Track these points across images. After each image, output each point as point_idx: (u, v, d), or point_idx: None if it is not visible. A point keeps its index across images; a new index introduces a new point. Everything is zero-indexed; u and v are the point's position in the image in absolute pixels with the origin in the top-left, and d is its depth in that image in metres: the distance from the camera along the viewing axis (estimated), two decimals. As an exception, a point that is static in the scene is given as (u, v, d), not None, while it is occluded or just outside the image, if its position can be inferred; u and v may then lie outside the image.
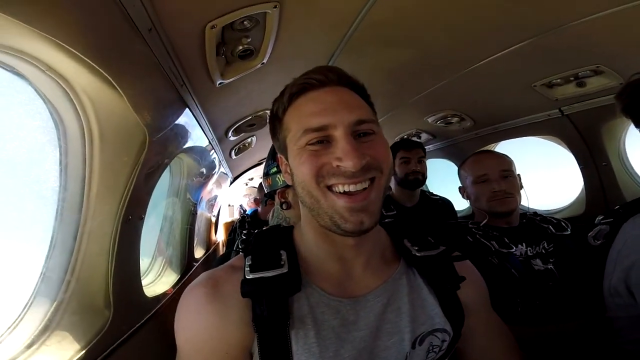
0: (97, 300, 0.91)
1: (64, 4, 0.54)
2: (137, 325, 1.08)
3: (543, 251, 1.24)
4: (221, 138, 1.86)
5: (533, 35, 1.15)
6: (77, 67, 0.68)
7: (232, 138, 2.05)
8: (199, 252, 2.34)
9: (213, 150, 1.91)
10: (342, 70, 0.62)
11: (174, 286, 1.63)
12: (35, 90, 0.76)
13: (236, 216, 4.48)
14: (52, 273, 0.83)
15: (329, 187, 0.55)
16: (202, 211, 2.49)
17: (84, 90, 0.76)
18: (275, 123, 0.65)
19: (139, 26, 0.70)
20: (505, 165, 1.31)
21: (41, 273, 0.82)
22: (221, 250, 3.25)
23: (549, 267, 1.20)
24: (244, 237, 1.16)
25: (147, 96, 0.91)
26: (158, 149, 1.08)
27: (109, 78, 0.74)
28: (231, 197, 4.23)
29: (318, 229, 0.60)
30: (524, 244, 1.25)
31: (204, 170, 2.01)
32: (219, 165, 2.23)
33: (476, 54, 1.34)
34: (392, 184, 2.07)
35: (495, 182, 1.27)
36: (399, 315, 0.61)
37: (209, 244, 2.94)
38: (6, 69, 0.68)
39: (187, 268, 1.98)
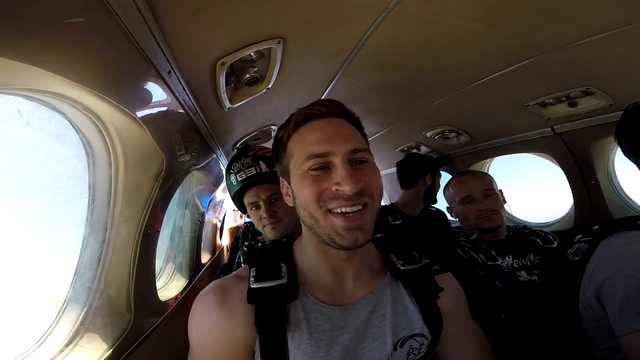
0: (120, 304, 1.03)
1: (94, 54, 0.64)
2: (153, 327, 1.19)
3: (528, 263, 1.31)
4: (228, 152, 1.97)
5: (525, 59, 1.21)
6: (107, 106, 0.79)
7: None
8: (205, 257, 2.46)
9: (220, 164, 2.03)
10: (342, 103, 0.71)
11: (182, 290, 1.74)
12: (70, 123, 0.87)
13: (239, 221, 4.55)
14: (82, 281, 0.94)
15: (329, 210, 0.62)
16: (209, 217, 2.61)
17: (112, 124, 0.87)
18: (280, 148, 0.72)
19: (160, 70, 0.80)
20: (487, 185, 1.40)
21: (72, 281, 0.93)
22: (225, 254, 3.35)
23: (532, 278, 1.27)
24: (246, 249, 1.25)
25: (165, 126, 1.02)
26: (173, 170, 1.20)
27: (133, 115, 0.85)
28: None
29: (316, 244, 0.68)
30: (510, 256, 1.32)
31: (211, 181, 2.13)
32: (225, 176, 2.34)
33: (470, 75, 1.41)
34: (409, 194, 2.14)
35: (480, 201, 1.36)
36: (382, 321, 0.68)
37: (214, 249, 3.06)
38: (47, 107, 0.80)
39: (195, 273, 2.09)
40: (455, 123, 2.09)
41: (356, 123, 0.73)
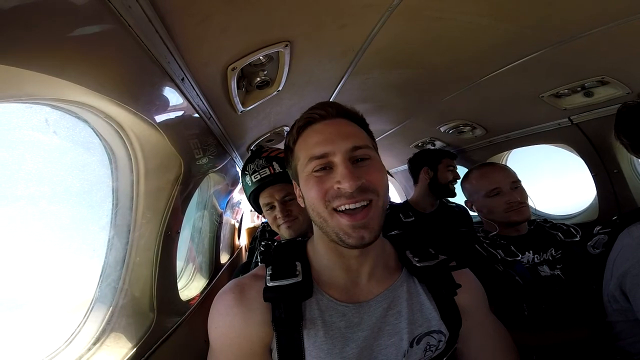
0: (143, 304, 1.07)
1: (112, 64, 0.67)
2: (175, 326, 1.23)
3: (550, 258, 1.28)
4: (243, 154, 2.01)
5: (535, 51, 1.19)
6: (126, 113, 0.83)
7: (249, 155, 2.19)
8: (224, 258, 2.51)
9: (236, 165, 2.07)
10: (341, 104, 0.72)
11: (203, 290, 1.79)
12: (94, 130, 0.92)
13: (257, 221, 4.60)
14: (108, 281, 0.99)
15: (335, 209, 0.63)
16: (227, 218, 2.67)
17: (132, 130, 0.91)
18: (288, 153, 0.75)
19: (173, 77, 0.84)
20: (514, 177, 1.36)
21: (99, 281, 0.98)
22: (244, 254, 3.41)
23: (555, 273, 1.24)
24: (262, 249, 1.28)
25: (182, 131, 1.06)
26: (191, 173, 1.24)
27: (151, 121, 0.89)
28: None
29: (328, 243, 0.69)
30: (531, 252, 1.29)
31: (228, 182, 2.17)
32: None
33: (480, 69, 1.39)
34: (417, 189, 2.13)
35: (509, 194, 1.32)
36: (398, 318, 0.69)
37: (233, 249, 3.12)
38: (72, 115, 0.84)
39: (214, 273, 2.15)
40: (469, 117, 2.06)
41: (359, 121, 0.74)
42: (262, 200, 1.27)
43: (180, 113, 1.00)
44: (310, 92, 1.51)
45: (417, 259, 0.76)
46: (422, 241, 0.83)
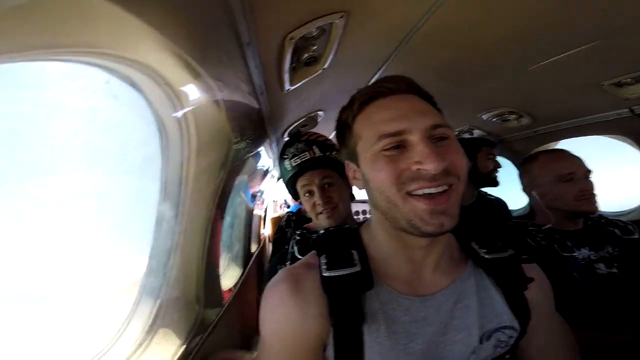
0: (190, 295, 0.99)
1: (186, 15, 0.58)
2: (217, 318, 1.16)
3: (607, 255, 1.21)
4: (278, 139, 1.92)
5: (601, 37, 1.08)
6: (188, 77, 0.73)
7: (286, 139, 2.12)
8: (253, 247, 2.45)
9: (270, 151, 1.98)
10: (412, 79, 0.65)
11: (238, 279, 1.72)
12: (147, 101, 0.82)
13: (279, 211, 4.56)
14: (153, 272, 0.91)
15: (409, 193, 0.56)
16: (255, 206, 2.60)
17: (189, 101, 0.81)
18: (345, 131, 0.68)
19: (242, 39, 0.74)
20: (587, 166, 1.27)
21: (146, 272, 0.90)
22: (268, 245, 3.36)
23: (613, 271, 1.18)
24: (299, 238, 1.21)
25: (238, 106, 0.96)
26: (237, 155, 1.14)
27: (211, 90, 0.79)
28: (276, 192, 4.35)
29: (390, 231, 0.63)
30: (587, 248, 1.22)
31: (261, 169, 2.09)
32: (273, 164, 2.31)
33: (539, 54, 1.27)
34: None
35: (582, 181, 1.24)
36: (467, 313, 0.63)
37: (259, 239, 3.06)
38: (127, 83, 0.74)
39: (246, 262, 2.08)
40: (517, 104, 1.93)
41: (429, 99, 0.66)
42: (301, 185, 1.22)
43: (238, 84, 0.90)
44: (352, 73, 1.41)
45: (484, 251, 0.70)
46: (488, 232, 0.76)
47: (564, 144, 2.27)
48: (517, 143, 2.37)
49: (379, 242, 0.67)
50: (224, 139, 0.98)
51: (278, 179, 3.16)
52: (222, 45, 0.71)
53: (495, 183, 1.96)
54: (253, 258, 2.27)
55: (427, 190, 0.54)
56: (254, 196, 2.39)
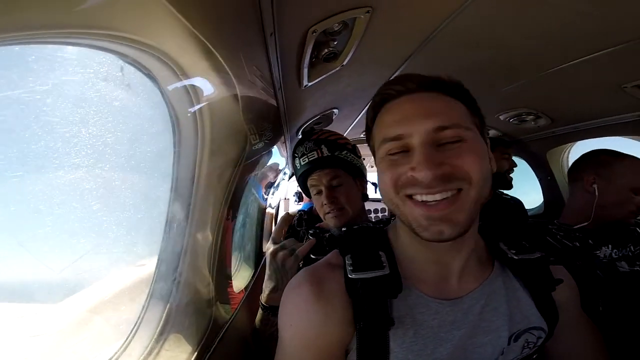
0: (201, 298, 0.94)
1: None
2: (229, 321, 1.11)
3: (630, 253, 1.21)
4: (293, 137, 1.88)
5: (628, 40, 1.02)
6: (206, 65, 0.67)
7: (300, 137, 2.07)
8: (265, 246, 2.40)
9: (284, 148, 1.93)
10: (424, 75, 0.61)
11: (249, 281, 1.67)
12: (161, 91, 0.76)
13: (291, 209, 4.51)
14: (163, 276, 0.85)
15: (408, 196, 0.55)
16: (267, 206, 2.55)
17: (205, 94, 0.77)
18: (368, 133, 0.69)
19: (265, 30, 0.69)
20: None
21: (154, 274, 0.85)
22: (279, 244, 3.30)
23: (636, 269, 1.17)
24: (312, 238, 1.17)
25: (255, 102, 0.91)
26: (251, 153, 1.10)
27: (230, 80, 0.73)
28: (287, 189, 4.31)
29: (410, 232, 0.60)
30: (609, 246, 1.21)
31: (274, 167, 2.05)
32: (286, 162, 2.26)
33: (560, 56, 1.21)
34: None
35: None
36: (496, 315, 0.62)
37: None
38: (143, 73, 0.69)
39: (258, 262, 2.03)
40: (535, 105, 1.88)
41: (455, 92, 0.61)
42: (310, 185, 1.23)
43: (256, 78, 0.84)
44: (371, 70, 1.35)
45: (513, 252, 0.69)
46: (516, 233, 0.75)
47: (581, 145, 2.26)
48: (533, 144, 2.35)
49: (403, 243, 0.66)
50: (239, 136, 0.93)
51: (290, 177, 3.12)
52: (245, 34, 0.66)
53: (509, 185, 1.94)
54: (264, 258, 2.22)
55: (424, 197, 0.53)
56: (266, 195, 2.35)
